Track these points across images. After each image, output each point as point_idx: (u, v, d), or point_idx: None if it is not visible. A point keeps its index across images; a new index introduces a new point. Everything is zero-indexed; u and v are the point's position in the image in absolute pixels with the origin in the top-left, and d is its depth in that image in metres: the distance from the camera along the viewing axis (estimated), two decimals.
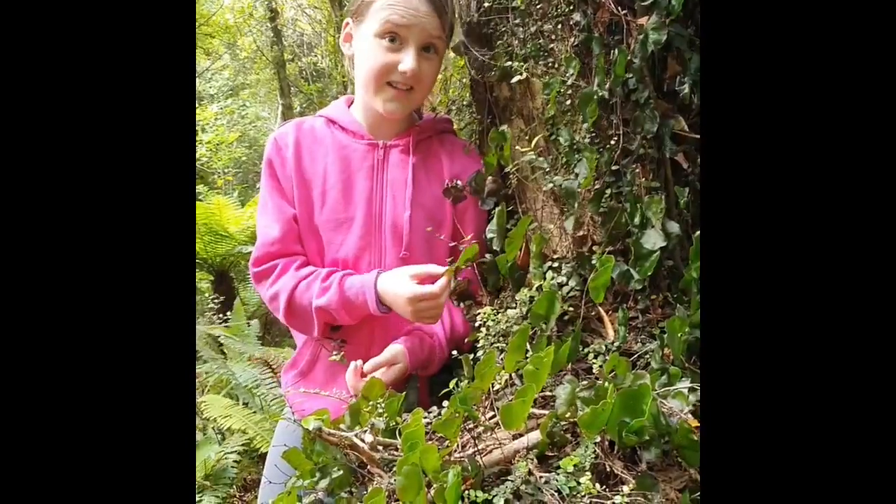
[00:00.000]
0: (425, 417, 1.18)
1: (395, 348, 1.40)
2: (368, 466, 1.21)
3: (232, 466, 2.50)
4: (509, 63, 1.38)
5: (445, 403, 1.18)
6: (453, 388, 1.20)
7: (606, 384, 1.03)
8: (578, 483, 1.00)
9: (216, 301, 4.58)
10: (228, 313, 4.12)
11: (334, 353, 1.40)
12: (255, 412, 2.78)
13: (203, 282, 5.12)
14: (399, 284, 1.33)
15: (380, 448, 1.20)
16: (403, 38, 1.39)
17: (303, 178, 1.47)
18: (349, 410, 1.23)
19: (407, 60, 1.39)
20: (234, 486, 2.57)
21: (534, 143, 1.33)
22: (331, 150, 1.47)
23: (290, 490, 1.08)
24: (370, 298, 1.37)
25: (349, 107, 1.57)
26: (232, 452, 2.55)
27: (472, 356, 1.29)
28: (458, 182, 1.45)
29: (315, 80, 9.58)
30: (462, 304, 1.43)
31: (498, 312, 1.31)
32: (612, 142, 1.29)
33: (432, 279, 1.33)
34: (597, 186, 1.29)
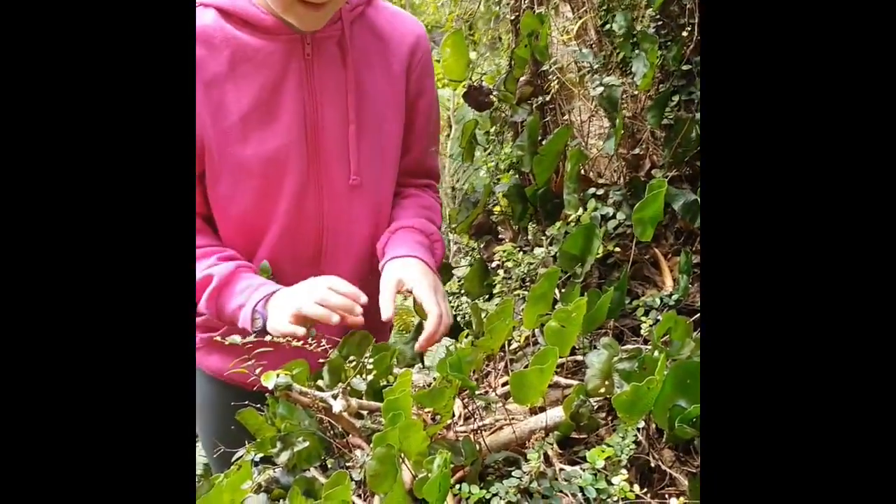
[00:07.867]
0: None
1: (416, 269, 1.03)
2: (350, 436, 0.97)
3: None
4: None
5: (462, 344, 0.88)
6: (450, 348, 0.93)
7: (656, 353, 0.75)
8: (610, 483, 0.73)
9: None
10: None
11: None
12: None
13: None
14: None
15: (364, 413, 0.95)
16: None
17: (207, 103, 1.02)
18: (328, 366, 0.98)
19: None
20: None
21: (576, 28, 1.02)
22: (234, 59, 1.02)
23: (241, 464, 0.84)
24: (245, 315, 1.02)
25: None
26: None
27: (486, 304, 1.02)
28: (483, 83, 1.14)
29: None
30: (479, 241, 1.15)
31: (522, 251, 1.03)
32: (685, 32, 0.98)
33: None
34: (661, 91, 0.98)
